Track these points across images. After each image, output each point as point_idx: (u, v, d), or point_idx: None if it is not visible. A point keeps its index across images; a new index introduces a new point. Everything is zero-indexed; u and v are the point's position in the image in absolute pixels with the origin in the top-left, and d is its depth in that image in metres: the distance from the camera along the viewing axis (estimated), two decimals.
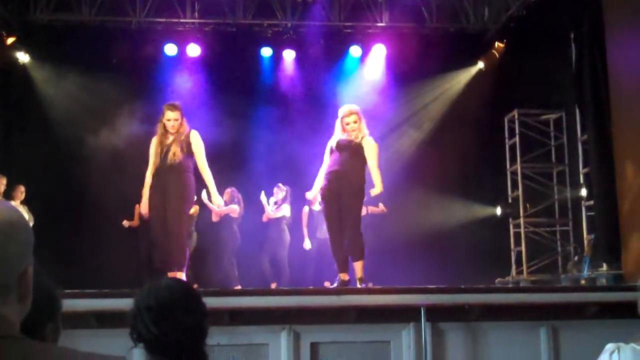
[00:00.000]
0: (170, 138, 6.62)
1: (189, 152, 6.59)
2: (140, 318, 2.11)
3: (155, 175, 6.63)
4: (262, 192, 10.42)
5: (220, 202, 7.41)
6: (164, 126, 6.63)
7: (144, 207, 6.76)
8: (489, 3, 11.95)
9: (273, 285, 10.16)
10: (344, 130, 6.77)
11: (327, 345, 5.55)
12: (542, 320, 5.66)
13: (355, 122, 6.73)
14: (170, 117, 6.61)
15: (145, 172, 6.86)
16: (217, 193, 6.89)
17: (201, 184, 7.02)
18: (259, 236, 10.59)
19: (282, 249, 10.45)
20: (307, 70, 12.08)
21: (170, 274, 6.39)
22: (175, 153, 6.52)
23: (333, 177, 6.71)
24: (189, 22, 11.74)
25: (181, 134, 6.62)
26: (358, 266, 6.61)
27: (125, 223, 10.14)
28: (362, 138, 6.75)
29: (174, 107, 6.69)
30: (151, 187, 6.65)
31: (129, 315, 2.15)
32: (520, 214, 11.23)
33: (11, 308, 1.34)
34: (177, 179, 6.53)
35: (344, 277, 6.68)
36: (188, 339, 2.15)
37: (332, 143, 6.86)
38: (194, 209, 9.25)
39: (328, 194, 6.76)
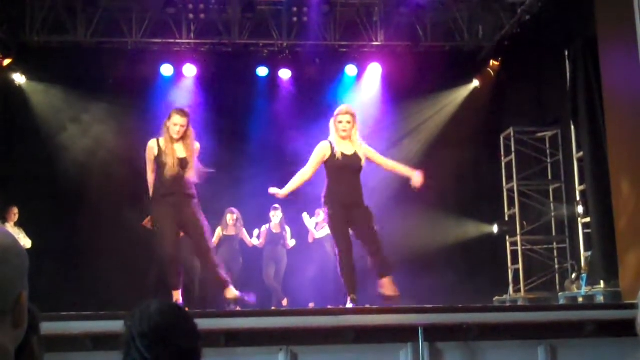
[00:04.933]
0: (178, 148, 6.46)
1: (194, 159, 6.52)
2: (133, 344, 2.09)
3: (163, 186, 6.43)
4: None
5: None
6: (169, 130, 6.46)
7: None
8: (484, 21, 12.02)
9: (284, 302, 10.18)
10: (336, 129, 6.52)
11: None
12: (540, 339, 5.63)
13: (348, 122, 6.48)
14: (177, 122, 6.43)
15: (142, 189, 6.79)
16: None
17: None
18: (257, 255, 10.59)
19: (283, 269, 10.52)
20: (303, 90, 12.12)
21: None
22: (189, 163, 6.43)
23: (343, 205, 6.45)
24: (185, 43, 11.78)
25: (189, 143, 6.49)
26: (390, 280, 6.50)
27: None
28: (364, 150, 6.55)
29: (182, 113, 6.53)
30: (161, 199, 6.46)
31: (121, 341, 2.13)
32: (517, 232, 11.22)
33: (6, 334, 1.33)
34: (191, 205, 6.46)
35: (354, 297, 6.46)
36: None
37: (326, 152, 6.50)
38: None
39: (339, 222, 6.48)
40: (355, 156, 6.52)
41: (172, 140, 6.46)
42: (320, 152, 6.54)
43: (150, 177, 6.60)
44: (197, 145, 6.65)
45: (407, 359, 5.48)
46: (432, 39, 12.03)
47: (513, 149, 11.41)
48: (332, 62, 12.20)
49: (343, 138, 6.52)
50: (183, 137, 6.49)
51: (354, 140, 6.56)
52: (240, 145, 11.44)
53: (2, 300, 1.32)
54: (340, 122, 6.53)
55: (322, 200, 6.61)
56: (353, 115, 6.59)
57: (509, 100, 12.12)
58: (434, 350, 5.54)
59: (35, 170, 11.14)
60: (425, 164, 11.99)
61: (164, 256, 6.67)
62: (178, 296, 6.42)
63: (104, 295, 9.84)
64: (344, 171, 6.49)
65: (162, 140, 6.49)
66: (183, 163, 6.43)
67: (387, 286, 6.53)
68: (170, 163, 6.39)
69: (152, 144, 6.54)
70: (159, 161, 6.45)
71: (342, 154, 6.49)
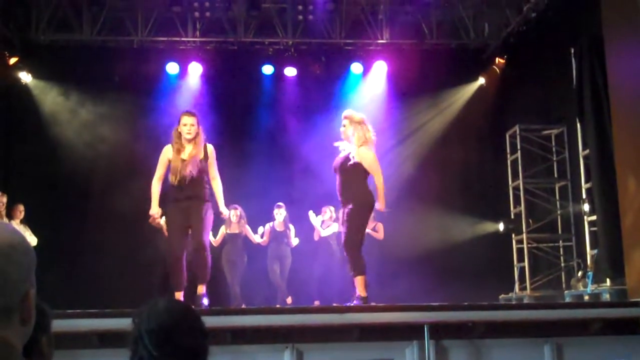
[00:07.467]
0: (188, 149, 6.58)
1: (206, 162, 6.62)
2: (141, 342, 2.09)
3: (176, 190, 6.54)
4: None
5: (226, 212, 7.18)
6: (180, 134, 6.60)
7: (154, 209, 6.72)
8: (489, 19, 12.00)
9: (289, 300, 10.17)
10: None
11: None
12: (546, 336, 5.63)
13: (343, 126, 6.79)
14: (187, 122, 6.60)
15: (147, 186, 6.81)
16: (223, 203, 6.86)
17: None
18: (262, 253, 10.58)
19: (287, 267, 10.50)
20: (308, 88, 12.11)
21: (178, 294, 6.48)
22: (195, 166, 6.52)
23: (340, 202, 6.83)
24: (190, 41, 11.79)
25: (198, 143, 6.61)
26: (358, 282, 6.51)
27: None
28: (356, 152, 6.66)
29: (190, 114, 6.73)
30: (173, 203, 6.60)
31: (129, 339, 2.13)
32: (522, 230, 11.20)
33: (13, 331, 1.34)
34: (199, 208, 6.53)
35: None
36: None
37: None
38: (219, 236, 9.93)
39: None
40: (345, 157, 6.73)
41: (184, 142, 6.59)
42: None
43: (156, 184, 6.69)
44: (211, 148, 6.76)
45: (412, 357, 5.48)
46: (437, 36, 12.01)
47: (519, 147, 11.38)
48: (337, 60, 12.19)
49: (343, 140, 6.85)
50: (195, 139, 6.62)
51: (351, 141, 6.76)
52: (245, 143, 11.45)
53: (10, 297, 1.33)
54: (340, 127, 6.90)
55: None
56: (346, 118, 6.84)
57: (514, 98, 12.10)
58: (440, 348, 5.54)
59: (41, 168, 11.17)
60: (430, 161, 12.04)
61: (169, 258, 6.82)
62: (180, 297, 6.46)
63: (110, 292, 9.86)
64: (336, 171, 6.80)
65: (175, 145, 6.62)
66: (188, 166, 6.52)
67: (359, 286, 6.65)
68: (178, 167, 6.50)
69: (167, 148, 6.70)
70: (171, 166, 6.58)
71: (336, 160, 6.83)
